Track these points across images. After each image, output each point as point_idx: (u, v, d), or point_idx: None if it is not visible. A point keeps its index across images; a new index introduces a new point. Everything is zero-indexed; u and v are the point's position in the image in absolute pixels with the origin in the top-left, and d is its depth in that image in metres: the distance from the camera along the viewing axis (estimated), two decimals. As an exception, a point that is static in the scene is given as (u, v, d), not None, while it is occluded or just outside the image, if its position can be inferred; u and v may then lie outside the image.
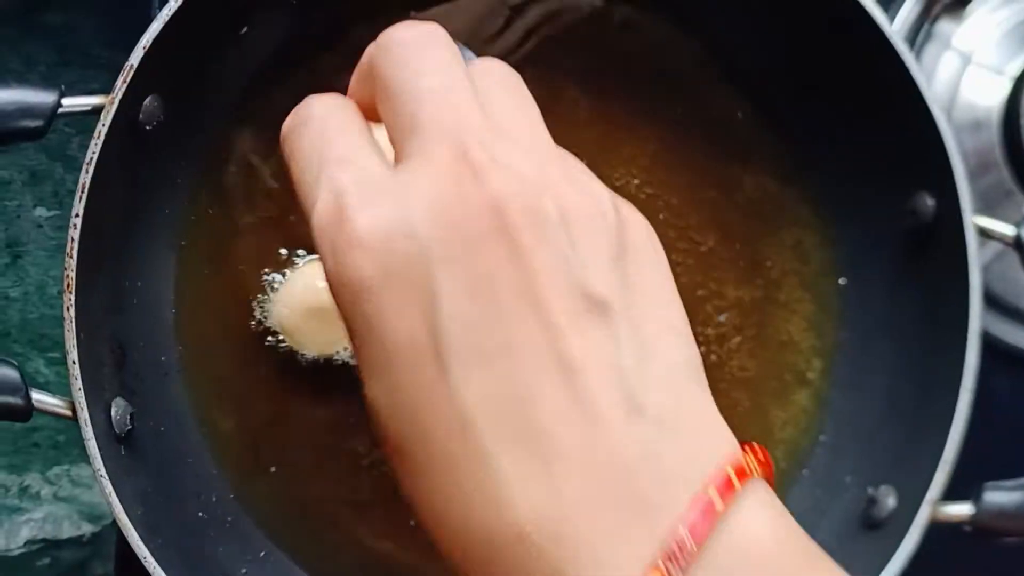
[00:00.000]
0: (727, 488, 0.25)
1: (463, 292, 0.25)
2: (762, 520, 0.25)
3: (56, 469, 0.55)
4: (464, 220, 0.25)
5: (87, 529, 0.55)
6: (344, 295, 0.26)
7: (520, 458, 0.25)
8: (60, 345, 0.56)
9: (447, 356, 0.25)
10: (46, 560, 0.55)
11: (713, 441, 0.26)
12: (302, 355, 0.41)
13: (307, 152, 0.28)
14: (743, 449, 0.26)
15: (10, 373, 0.35)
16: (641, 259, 0.27)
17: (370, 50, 0.28)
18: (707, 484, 0.25)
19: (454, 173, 0.26)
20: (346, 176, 0.26)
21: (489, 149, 0.26)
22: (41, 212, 0.57)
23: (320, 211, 0.26)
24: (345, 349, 0.41)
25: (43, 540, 0.55)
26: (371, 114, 0.29)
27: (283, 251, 0.42)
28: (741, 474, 0.25)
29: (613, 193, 0.28)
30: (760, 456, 0.26)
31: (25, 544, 0.55)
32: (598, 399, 0.25)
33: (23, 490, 0.55)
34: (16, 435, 0.55)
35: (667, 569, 0.24)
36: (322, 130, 0.28)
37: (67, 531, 0.55)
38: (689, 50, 0.43)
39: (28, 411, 0.35)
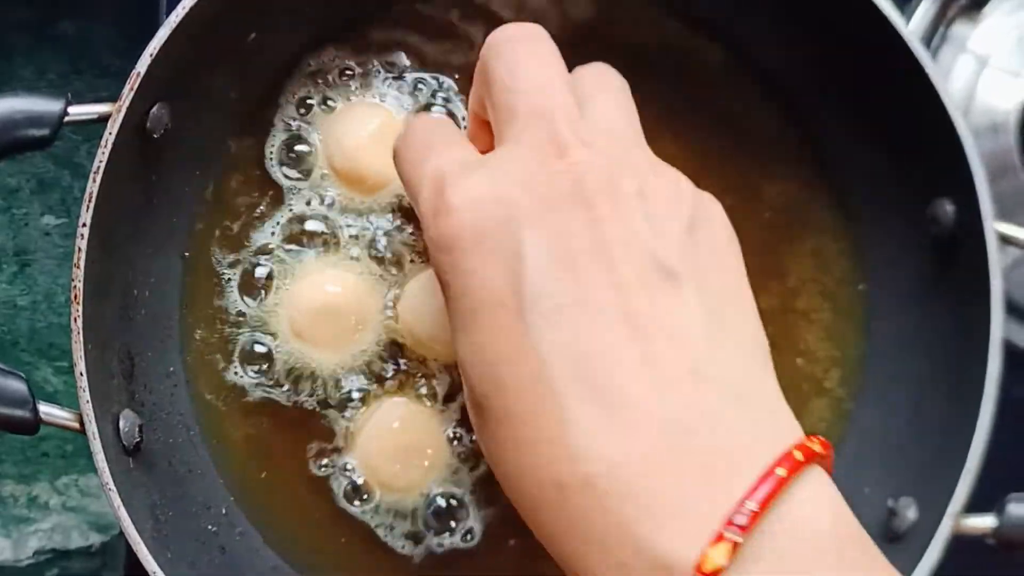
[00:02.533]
0: (793, 467, 0.25)
1: (545, 253, 0.27)
2: (822, 504, 0.26)
3: (64, 479, 0.55)
4: (548, 188, 0.28)
5: (96, 539, 0.55)
6: (442, 257, 0.29)
7: (592, 411, 0.26)
8: (68, 354, 0.56)
9: (527, 311, 0.27)
10: (55, 571, 0.55)
11: (779, 420, 0.28)
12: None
13: (414, 152, 0.32)
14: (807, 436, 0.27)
15: (18, 386, 0.34)
16: (714, 238, 0.30)
17: (483, 49, 0.32)
18: (775, 460, 0.26)
19: (542, 150, 0.29)
20: (446, 159, 0.30)
21: (577, 133, 0.29)
22: (49, 220, 0.57)
23: (425, 189, 0.30)
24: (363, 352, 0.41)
25: (52, 550, 0.55)
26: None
27: (288, 251, 0.41)
28: (807, 456, 0.26)
29: (694, 185, 0.30)
30: (822, 445, 0.27)
31: (34, 554, 0.55)
32: (666, 362, 0.27)
33: (31, 500, 0.55)
34: (24, 445, 0.55)
35: (728, 537, 0.24)
36: (426, 132, 0.32)
37: (76, 541, 0.55)
38: (710, 56, 0.43)
39: (36, 424, 0.34)
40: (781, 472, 0.25)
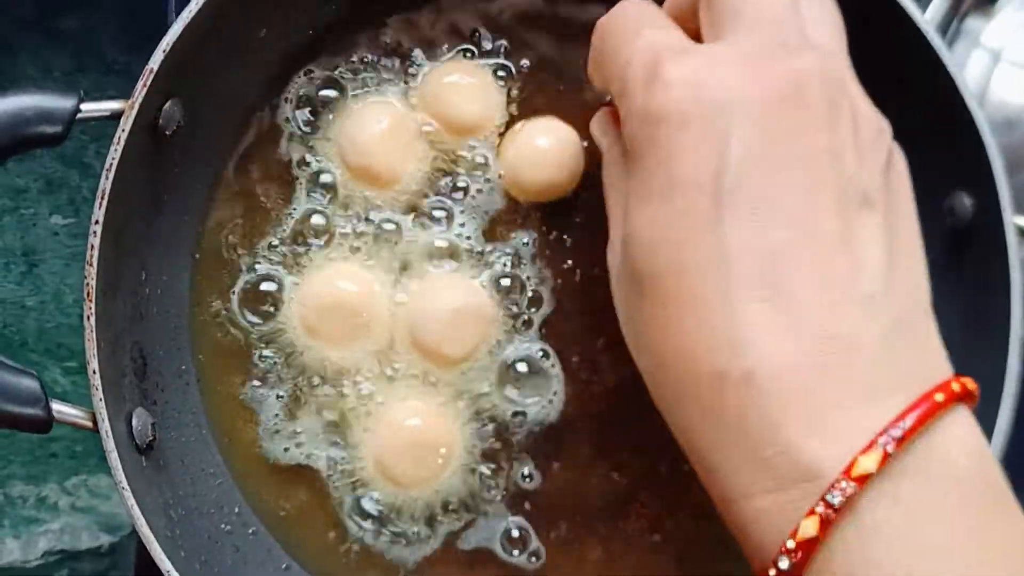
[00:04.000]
0: (949, 396, 0.27)
1: (754, 147, 0.28)
2: (971, 441, 0.27)
3: (74, 479, 0.55)
4: (771, 84, 0.28)
5: (105, 540, 0.55)
6: (644, 125, 0.29)
7: (765, 310, 0.27)
8: (77, 354, 0.56)
9: (725, 200, 0.28)
10: (64, 572, 0.55)
11: (936, 358, 0.29)
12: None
13: (626, 24, 0.32)
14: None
15: (31, 384, 0.34)
16: (901, 184, 0.31)
17: None
18: (932, 387, 0.27)
19: (770, 47, 0.29)
20: (665, 36, 0.31)
21: (807, 39, 0.30)
22: (57, 220, 0.57)
23: (639, 58, 0.30)
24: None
25: (61, 551, 0.55)
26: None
27: (298, 248, 0.41)
28: (962, 390, 0.27)
29: None
30: (973, 386, 0.28)
31: (43, 555, 0.54)
32: (845, 282, 0.28)
33: (40, 501, 0.55)
34: (33, 445, 0.55)
35: (882, 444, 0.26)
36: (640, 10, 0.33)
37: (85, 542, 0.55)
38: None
39: (49, 423, 0.34)
40: (939, 397, 0.26)
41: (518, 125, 0.41)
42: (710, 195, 0.28)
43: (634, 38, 0.31)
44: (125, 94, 0.36)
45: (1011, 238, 0.36)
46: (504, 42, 0.42)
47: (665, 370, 0.29)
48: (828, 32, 0.31)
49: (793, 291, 0.27)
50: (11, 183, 0.56)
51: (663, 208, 0.29)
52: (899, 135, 0.40)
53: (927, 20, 0.37)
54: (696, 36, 0.32)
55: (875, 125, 0.30)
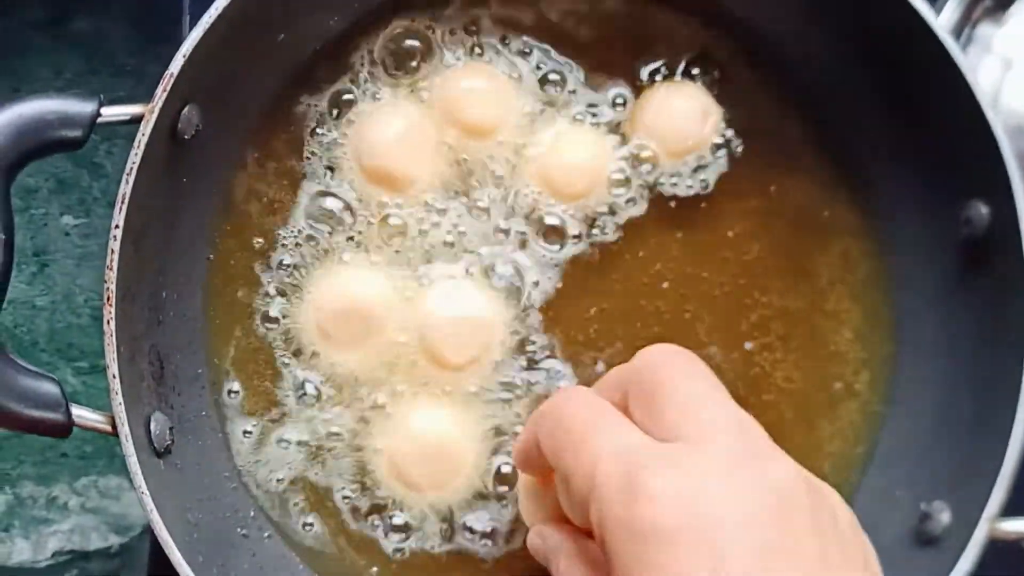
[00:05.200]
0: None
1: (748, 559, 0.27)
2: None
3: (84, 480, 0.55)
4: (756, 495, 0.28)
5: (115, 541, 0.55)
6: (629, 539, 0.28)
7: None
8: (88, 354, 0.56)
9: None
10: (74, 572, 0.55)
11: None
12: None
13: (576, 422, 0.32)
14: None
15: (51, 388, 0.34)
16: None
17: (630, 363, 0.33)
18: None
19: (745, 455, 0.29)
20: (629, 439, 0.30)
21: (769, 444, 0.30)
22: (68, 220, 0.57)
23: (607, 465, 0.30)
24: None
25: (71, 552, 0.55)
26: None
27: (314, 252, 0.41)
28: None
29: None
30: None
31: (53, 556, 0.55)
32: None
33: (51, 501, 0.55)
34: (44, 446, 0.55)
35: None
36: (588, 405, 0.32)
37: (95, 542, 0.55)
38: (731, 53, 0.43)
39: (69, 427, 0.34)
40: None
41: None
42: None
43: (596, 435, 0.31)
44: (136, 96, 0.36)
45: (1028, 246, 0.36)
46: (524, 44, 0.42)
47: None
48: (763, 435, 0.32)
49: None
50: (22, 183, 0.55)
51: None
52: (915, 145, 0.40)
53: (942, 26, 0.37)
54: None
55: (853, 522, 0.31)
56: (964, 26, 0.49)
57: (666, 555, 0.28)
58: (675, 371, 0.32)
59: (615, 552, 0.29)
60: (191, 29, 0.36)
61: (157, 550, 0.35)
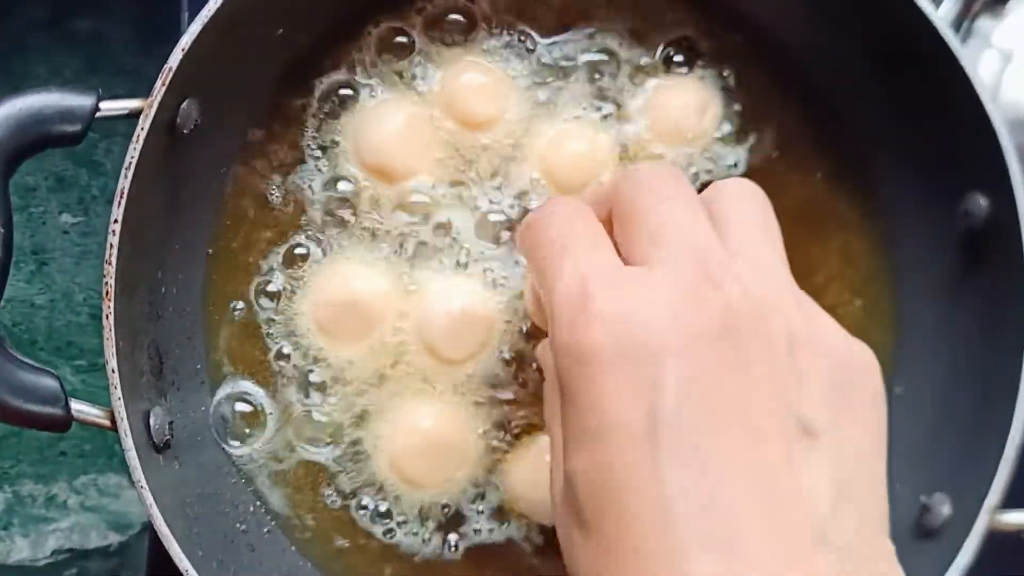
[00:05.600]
0: None
1: (686, 388, 0.27)
2: None
3: (83, 478, 0.55)
4: (699, 322, 0.27)
5: (114, 539, 0.55)
6: (572, 363, 0.28)
7: (711, 561, 0.26)
8: (87, 352, 0.56)
9: (661, 444, 0.26)
10: (73, 570, 0.55)
11: None
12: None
13: (553, 238, 0.31)
14: None
15: (50, 383, 0.34)
16: (860, 395, 0.29)
17: (614, 178, 0.33)
18: None
19: (695, 281, 0.28)
20: (592, 261, 0.29)
21: (728, 268, 0.28)
22: (66, 218, 0.57)
23: (565, 287, 0.29)
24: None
25: (70, 550, 0.55)
26: None
27: (312, 245, 0.41)
28: None
29: (847, 333, 0.30)
30: None
31: (52, 554, 0.55)
32: (791, 523, 0.26)
33: (50, 499, 0.55)
34: (42, 444, 0.55)
35: None
36: (568, 222, 0.31)
37: (94, 541, 0.55)
38: (732, 45, 0.43)
39: (68, 422, 0.34)
40: None
41: None
42: (646, 438, 0.27)
43: (561, 255, 0.30)
44: (136, 95, 0.36)
45: (1027, 238, 0.36)
46: (521, 35, 0.42)
47: None
48: (750, 238, 0.30)
49: (738, 539, 0.26)
50: (20, 181, 0.56)
51: (599, 450, 0.27)
52: (914, 138, 0.40)
53: (940, 15, 0.37)
54: None
55: (816, 342, 0.29)
56: (964, 20, 0.50)
57: (602, 382, 0.27)
58: (653, 193, 0.31)
59: (561, 376, 0.28)
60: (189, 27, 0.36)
61: (156, 548, 0.35)
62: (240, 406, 0.41)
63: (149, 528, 0.52)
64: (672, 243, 0.29)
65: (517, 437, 0.41)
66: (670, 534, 0.26)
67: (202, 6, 0.36)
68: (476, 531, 0.40)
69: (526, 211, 0.41)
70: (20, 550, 0.54)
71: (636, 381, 0.27)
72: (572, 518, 0.29)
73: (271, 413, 0.41)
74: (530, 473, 0.40)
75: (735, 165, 0.42)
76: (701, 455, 0.26)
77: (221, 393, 0.41)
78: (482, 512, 0.40)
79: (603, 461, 0.27)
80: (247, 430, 0.41)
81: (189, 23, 0.36)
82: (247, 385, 0.41)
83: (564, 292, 0.29)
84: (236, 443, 0.41)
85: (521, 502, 0.40)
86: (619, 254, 0.30)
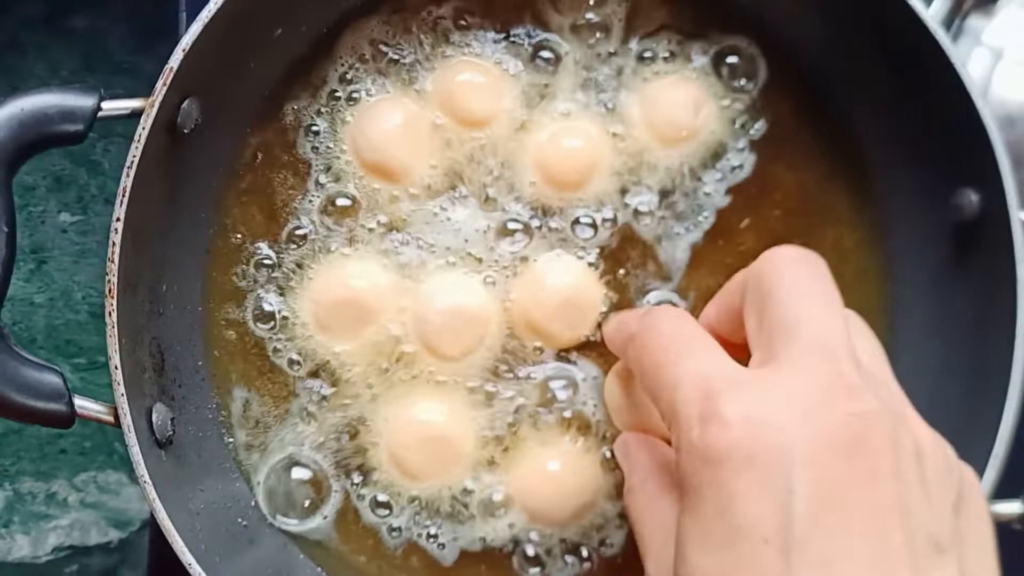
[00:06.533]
0: None
1: (819, 495, 0.27)
2: None
3: (83, 475, 0.55)
4: (832, 429, 0.27)
5: (115, 535, 0.55)
6: (704, 468, 0.28)
7: None
8: (86, 351, 0.57)
9: (793, 552, 0.26)
10: (74, 567, 0.55)
11: None
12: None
13: (666, 345, 0.31)
14: None
15: (54, 379, 0.34)
16: (975, 511, 0.30)
17: (756, 264, 0.32)
18: None
19: (827, 385, 0.28)
20: (714, 364, 0.30)
21: (858, 374, 0.28)
22: (65, 217, 0.57)
23: (690, 389, 0.29)
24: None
25: (70, 547, 0.55)
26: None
27: (311, 244, 0.42)
28: None
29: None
30: None
31: (53, 551, 0.55)
32: None
33: (50, 497, 0.55)
34: (43, 441, 0.55)
35: None
36: (678, 328, 0.32)
37: (95, 537, 0.55)
38: (729, 41, 0.43)
39: (72, 418, 0.35)
40: None
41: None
42: (778, 545, 0.26)
43: (680, 360, 0.30)
44: (133, 93, 0.36)
45: (1017, 233, 0.36)
46: (518, 33, 0.42)
47: None
48: (878, 361, 0.31)
49: None
50: (19, 181, 0.55)
51: (727, 556, 0.27)
52: (906, 134, 0.41)
53: (931, 14, 0.38)
54: (735, 349, 0.32)
55: (938, 459, 0.29)
56: (954, 18, 0.50)
57: (735, 485, 0.27)
58: (790, 284, 0.31)
59: (687, 475, 0.28)
60: (188, 26, 0.36)
61: (156, 544, 0.35)
62: (241, 402, 0.41)
63: (149, 524, 0.52)
64: (806, 342, 0.29)
65: (514, 432, 0.41)
66: None
67: (199, 5, 0.36)
68: (471, 528, 0.41)
69: (524, 209, 0.42)
70: (21, 547, 0.55)
71: (767, 487, 0.27)
72: None
73: (271, 409, 0.41)
74: (528, 472, 0.40)
75: (740, 167, 0.42)
76: (832, 565, 0.26)
77: (222, 388, 0.41)
78: (477, 509, 0.41)
79: (734, 563, 0.27)
80: (249, 425, 0.41)
81: (187, 22, 0.36)
82: (247, 381, 0.41)
83: (689, 392, 0.29)
84: (238, 438, 0.41)
85: (517, 499, 0.41)
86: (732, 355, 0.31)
